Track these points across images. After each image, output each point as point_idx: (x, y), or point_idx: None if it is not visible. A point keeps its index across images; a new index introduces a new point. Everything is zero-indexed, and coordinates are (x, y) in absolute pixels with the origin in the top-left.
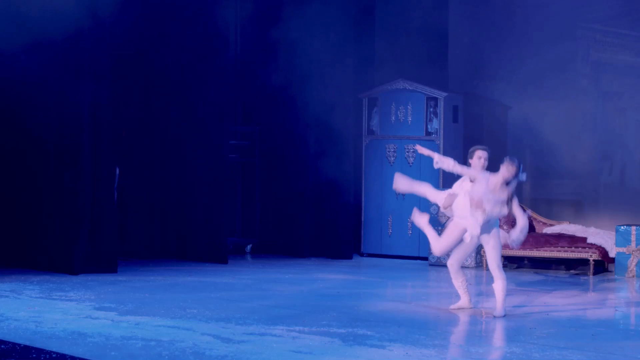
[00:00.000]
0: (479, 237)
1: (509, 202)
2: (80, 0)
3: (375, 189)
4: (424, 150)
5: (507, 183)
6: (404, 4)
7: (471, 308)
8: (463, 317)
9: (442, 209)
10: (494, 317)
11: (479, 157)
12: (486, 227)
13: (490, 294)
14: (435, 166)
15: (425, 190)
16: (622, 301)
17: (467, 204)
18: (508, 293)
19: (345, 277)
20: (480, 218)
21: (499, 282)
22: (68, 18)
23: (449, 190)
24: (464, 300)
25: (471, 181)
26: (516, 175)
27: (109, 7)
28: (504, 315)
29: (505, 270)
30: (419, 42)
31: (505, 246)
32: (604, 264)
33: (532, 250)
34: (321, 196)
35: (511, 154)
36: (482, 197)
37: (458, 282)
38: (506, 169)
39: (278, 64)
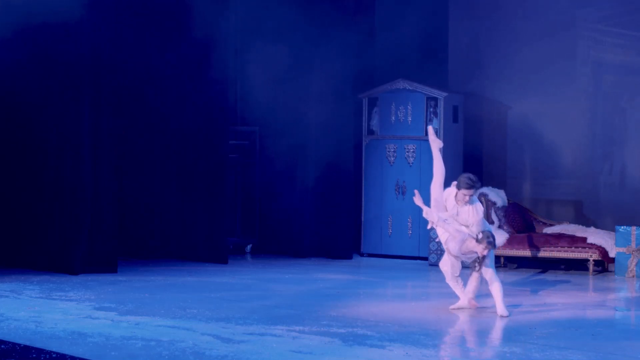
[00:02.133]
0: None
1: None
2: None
3: (375, 189)
4: (418, 201)
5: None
6: (404, 4)
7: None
8: (463, 317)
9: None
10: (500, 315)
11: (464, 194)
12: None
13: (490, 293)
14: (424, 215)
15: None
16: (622, 301)
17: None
18: (508, 293)
19: (345, 277)
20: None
21: (495, 285)
22: (68, 18)
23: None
24: (463, 300)
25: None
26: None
27: (109, 6)
28: (509, 315)
29: (505, 270)
30: (419, 42)
31: (504, 246)
32: (604, 264)
33: (532, 250)
34: (321, 196)
35: (486, 232)
36: (456, 255)
37: (453, 282)
38: (482, 247)
39: (277, 64)
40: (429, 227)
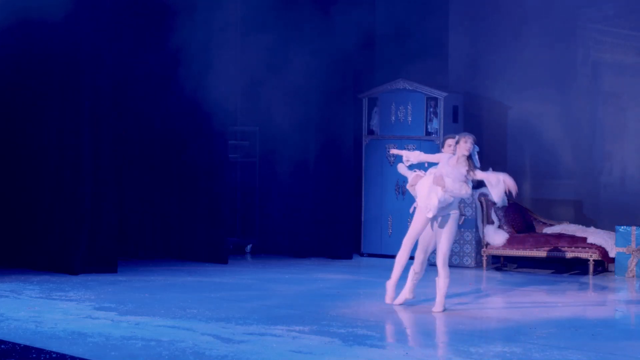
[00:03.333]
0: (436, 221)
1: (470, 174)
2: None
3: (375, 189)
4: (395, 151)
5: (468, 158)
6: (405, 4)
7: (413, 298)
8: (463, 318)
9: (408, 186)
10: (433, 312)
11: (449, 145)
12: (444, 214)
13: (490, 293)
14: (407, 164)
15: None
16: (622, 301)
17: (428, 183)
18: (508, 292)
19: (345, 277)
20: (440, 193)
21: (442, 280)
22: (68, 18)
23: (418, 171)
24: (406, 289)
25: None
26: (473, 148)
27: (108, 6)
28: (444, 310)
29: (505, 270)
30: (419, 42)
31: (504, 246)
32: (604, 264)
33: (532, 250)
34: (321, 196)
35: (465, 132)
36: (442, 172)
37: (414, 271)
38: (462, 145)
39: (278, 64)
40: (407, 164)
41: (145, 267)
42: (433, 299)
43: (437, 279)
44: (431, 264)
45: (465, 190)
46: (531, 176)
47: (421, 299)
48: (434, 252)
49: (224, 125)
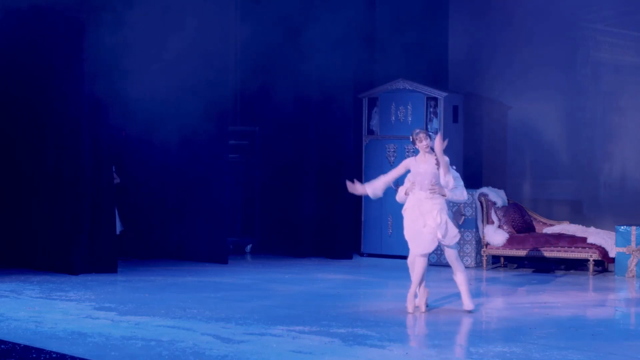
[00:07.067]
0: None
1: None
2: None
3: None
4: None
5: (432, 149)
6: (405, 4)
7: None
8: (463, 317)
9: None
10: (465, 310)
11: (420, 140)
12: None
13: (490, 293)
14: (373, 196)
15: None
16: (622, 301)
17: (416, 193)
18: (509, 293)
19: (345, 277)
20: (428, 194)
21: (459, 275)
22: (66, 13)
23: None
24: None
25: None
26: (428, 138)
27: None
28: (473, 311)
29: (505, 270)
30: (419, 42)
31: (504, 246)
32: (604, 264)
33: (532, 250)
34: (321, 196)
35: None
36: (419, 173)
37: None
38: (418, 141)
39: (278, 64)
40: (374, 196)
41: (145, 267)
42: (434, 299)
43: (454, 276)
44: (431, 264)
45: (447, 180)
46: (531, 176)
47: None
48: (439, 253)
49: (224, 125)
